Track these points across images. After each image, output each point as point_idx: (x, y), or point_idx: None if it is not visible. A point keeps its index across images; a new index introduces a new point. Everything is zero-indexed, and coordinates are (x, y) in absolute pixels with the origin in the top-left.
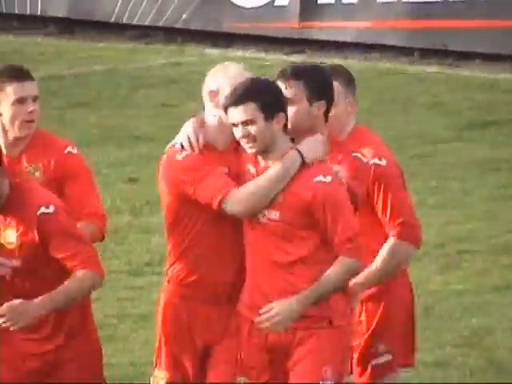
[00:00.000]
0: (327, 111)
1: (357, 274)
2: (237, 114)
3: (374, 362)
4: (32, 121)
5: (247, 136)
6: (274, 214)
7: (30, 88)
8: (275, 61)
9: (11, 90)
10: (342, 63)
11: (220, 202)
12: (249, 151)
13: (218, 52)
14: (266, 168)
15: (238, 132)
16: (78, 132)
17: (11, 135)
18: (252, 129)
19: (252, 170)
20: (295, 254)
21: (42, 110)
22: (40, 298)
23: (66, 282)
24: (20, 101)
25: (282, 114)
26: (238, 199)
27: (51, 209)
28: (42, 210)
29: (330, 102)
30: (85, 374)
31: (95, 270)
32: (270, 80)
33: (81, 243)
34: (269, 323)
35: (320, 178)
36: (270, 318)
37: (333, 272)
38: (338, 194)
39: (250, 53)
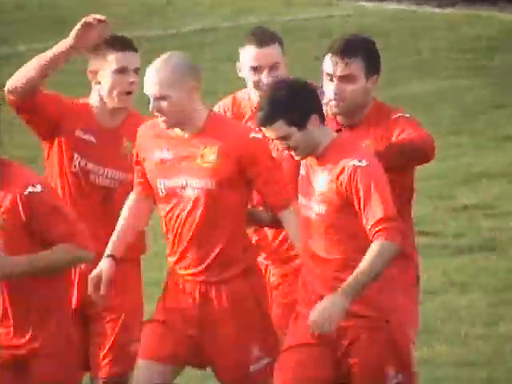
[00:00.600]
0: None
1: (393, 257)
2: (269, 133)
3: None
4: (130, 92)
5: (288, 148)
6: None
7: (133, 59)
8: (425, 14)
9: (113, 59)
10: (495, 16)
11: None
12: (296, 158)
13: (372, 5)
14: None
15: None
16: (231, 84)
17: (109, 105)
18: (290, 142)
19: (303, 171)
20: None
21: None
22: (17, 256)
23: (48, 250)
24: (121, 70)
25: (314, 116)
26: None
27: (38, 188)
28: (30, 189)
29: (379, 74)
30: (57, 370)
31: (82, 246)
32: (295, 84)
33: (69, 222)
34: (319, 329)
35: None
36: (318, 323)
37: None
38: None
39: (404, 5)
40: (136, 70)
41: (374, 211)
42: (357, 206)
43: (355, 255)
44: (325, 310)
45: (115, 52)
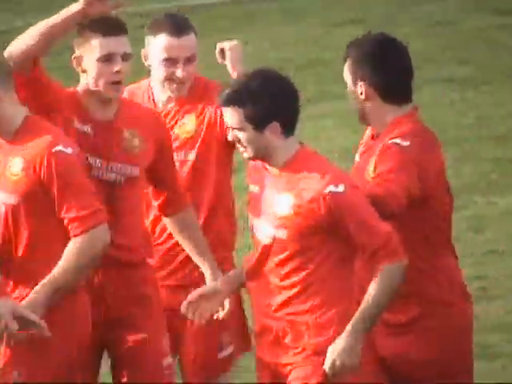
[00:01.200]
0: None
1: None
2: (225, 116)
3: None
4: (118, 82)
5: (238, 142)
6: None
7: (119, 44)
8: None
9: (97, 45)
10: None
11: None
12: (244, 156)
13: None
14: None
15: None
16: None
17: (97, 96)
18: (240, 137)
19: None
20: None
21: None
22: (32, 295)
23: (59, 262)
24: (106, 58)
25: (275, 124)
26: None
27: (69, 150)
28: (58, 148)
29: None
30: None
31: (94, 229)
32: (276, 80)
33: (85, 196)
34: (339, 378)
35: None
36: (333, 370)
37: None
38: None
39: None
40: (124, 56)
41: (369, 238)
42: (346, 234)
43: (315, 284)
44: (338, 362)
45: (99, 37)
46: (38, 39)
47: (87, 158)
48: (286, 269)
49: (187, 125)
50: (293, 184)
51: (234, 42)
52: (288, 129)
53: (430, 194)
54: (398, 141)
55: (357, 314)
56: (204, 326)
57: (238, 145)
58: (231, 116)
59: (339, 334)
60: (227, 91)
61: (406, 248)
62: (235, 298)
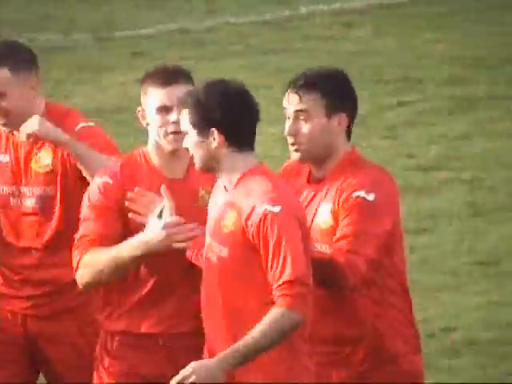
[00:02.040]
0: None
1: (295, 329)
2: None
3: None
4: (176, 132)
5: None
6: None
7: (175, 94)
8: None
9: (153, 96)
10: None
11: None
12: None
13: None
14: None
15: None
16: None
17: (162, 150)
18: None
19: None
20: None
21: None
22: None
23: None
24: (163, 109)
25: (214, 130)
26: None
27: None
28: (82, 124)
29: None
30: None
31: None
32: (228, 86)
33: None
34: None
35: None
36: (184, 377)
37: (260, 326)
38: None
39: None
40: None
41: (281, 269)
42: (263, 258)
43: (256, 308)
44: (192, 374)
45: (155, 88)
46: (113, 273)
47: None
48: (227, 290)
49: (43, 159)
50: (240, 200)
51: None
52: (234, 141)
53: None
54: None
55: (235, 345)
56: None
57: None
58: (181, 118)
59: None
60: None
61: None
62: None
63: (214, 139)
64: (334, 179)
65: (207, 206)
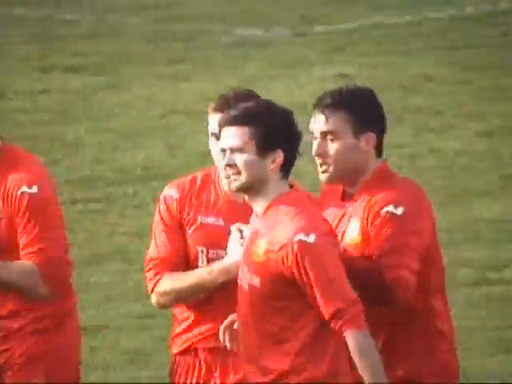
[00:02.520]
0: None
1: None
2: (225, 136)
3: None
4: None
5: (229, 166)
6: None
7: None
8: None
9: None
10: None
11: None
12: (231, 186)
13: None
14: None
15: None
16: None
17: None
18: (236, 158)
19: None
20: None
21: None
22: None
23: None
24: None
25: (280, 153)
26: None
27: (34, 189)
28: (24, 188)
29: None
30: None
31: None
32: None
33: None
34: None
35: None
36: None
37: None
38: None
39: None
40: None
41: (332, 298)
42: (307, 288)
43: (289, 334)
44: None
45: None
46: (193, 299)
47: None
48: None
49: None
50: (270, 229)
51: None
52: (287, 166)
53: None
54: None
55: None
56: None
57: (224, 175)
58: (234, 135)
59: None
60: (232, 112)
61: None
62: None
63: (274, 161)
64: (364, 195)
65: None
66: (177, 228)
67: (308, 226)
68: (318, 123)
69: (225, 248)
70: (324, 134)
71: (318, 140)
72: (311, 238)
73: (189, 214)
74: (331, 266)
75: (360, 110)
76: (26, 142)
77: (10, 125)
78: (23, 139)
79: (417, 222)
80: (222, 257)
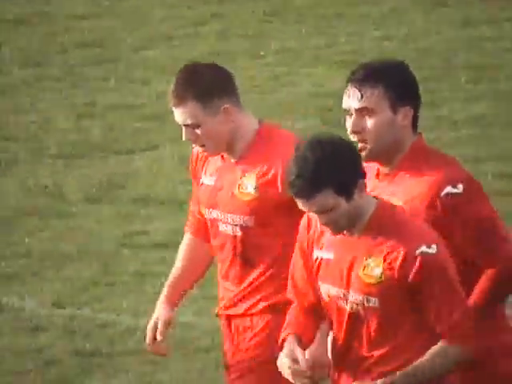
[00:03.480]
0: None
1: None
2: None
3: None
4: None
5: (327, 224)
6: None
7: (177, 115)
8: None
9: None
10: None
11: None
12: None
13: None
14: None
15: None
16: None
17: None
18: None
19: None
20: None
21: None
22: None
23: None
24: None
25: (361, 182)
26: None
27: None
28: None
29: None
30: None
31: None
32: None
33: None
34: None
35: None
36: None
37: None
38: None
39: None
40: (187, 126)
41: (448, 310)
42: (422, 300)
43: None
44: None
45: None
46: None
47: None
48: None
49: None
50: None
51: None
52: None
53: None
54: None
55: (403, 372)
56: None
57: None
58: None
59: None
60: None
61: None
62: None
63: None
64: (404, 172)
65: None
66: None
67: (428, 237)
68: (353, 99)
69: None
70: (360, 111)
71: (353, 116)
72: (433, 249)
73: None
74: (452, 277)
75: (397, 83)
76: None
77: None
78: None
79: (480, 192)
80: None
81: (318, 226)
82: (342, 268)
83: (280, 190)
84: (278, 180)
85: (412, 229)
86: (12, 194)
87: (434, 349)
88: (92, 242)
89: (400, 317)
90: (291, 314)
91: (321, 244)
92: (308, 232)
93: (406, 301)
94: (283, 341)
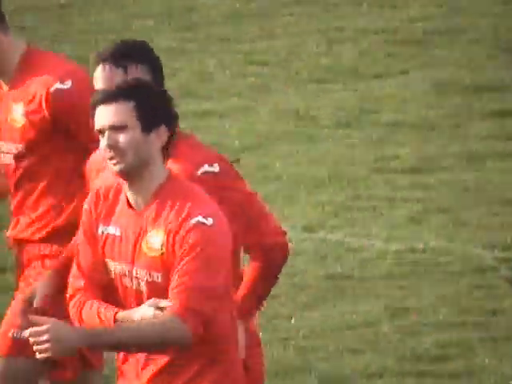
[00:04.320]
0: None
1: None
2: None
3: None
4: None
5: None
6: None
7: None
8: None
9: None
10: None
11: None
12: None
13: None
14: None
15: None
16: None
17: None
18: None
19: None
20: None
21: None
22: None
23: None
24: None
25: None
26: None
27: (68, 84)
28: (57, 85)
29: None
30: None
31: None
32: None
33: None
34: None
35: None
36: (38, 333)
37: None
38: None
39: None
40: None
41: (187, 282)
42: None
43: None
44: (47, 334)
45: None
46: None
47: None
48: None
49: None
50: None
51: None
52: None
53: None
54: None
55: (114, 326)
56: None
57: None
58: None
59: None
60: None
61: None
62: None
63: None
64: None
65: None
66: None
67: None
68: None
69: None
70: None
71: None
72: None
73: None
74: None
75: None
76: None
77: None
78: None
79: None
80: None
81: (108, 201)
82: (128, 243)
83: (46, 114)
84: (42, 105)
85: (195, 198)
86: (264, 119)
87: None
88: (343, 166)
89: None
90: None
91: (108, 221)
92: (96, 211)
93: None
94: (115, 320)
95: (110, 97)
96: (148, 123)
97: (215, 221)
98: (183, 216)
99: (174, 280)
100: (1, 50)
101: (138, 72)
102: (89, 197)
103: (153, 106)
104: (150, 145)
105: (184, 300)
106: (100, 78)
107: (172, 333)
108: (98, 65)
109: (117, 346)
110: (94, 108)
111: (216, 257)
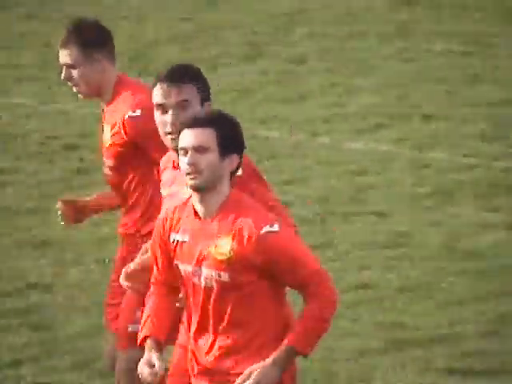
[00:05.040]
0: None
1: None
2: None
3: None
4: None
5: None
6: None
7: (170, 93)
8: None
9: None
10: None
11: None
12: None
13: None
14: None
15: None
16: None
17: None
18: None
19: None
20: None
21: None
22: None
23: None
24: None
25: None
26: None
27: (137, 112)
28: (129, 113)
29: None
30: None
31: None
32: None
33: None
34: None
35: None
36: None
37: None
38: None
39: None
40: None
41: (303, 274)
42: (275, 274)
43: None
44: (251, 377)
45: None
46: None
47: None
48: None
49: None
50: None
51: None
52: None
53: None
54: None
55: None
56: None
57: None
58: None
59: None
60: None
61: None
62: None
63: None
64: None
65: None
66: None
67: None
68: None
69: None
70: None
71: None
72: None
73: None
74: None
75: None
76: None
77: None
78: None
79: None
80: None
81: (175, 216)
82: (197, 248)
83: (124, 137)
84: (120, 130)
85: (254, 211)
86: None
87: (301, 314)
88: None
89: (249, 287)
90: (150, 302)
91: (177, 229)
92: (164, 227)
93: (255, 273)
94: (142, 340)
95: (196, 122)
96: (225, 149)
97: (278, 225)
98: (249, 228)
99: (293, 282)
100: (106, 77)
101: (192, 90)
102: (161, 214)
103: (231, 135)
104: (223, 168)
105: (313, 274)
106: (158, 95)
107: (328, 304)
108: (156, 84)
109: (298, 355)
110: (154, 84)
111: (300, 249)
